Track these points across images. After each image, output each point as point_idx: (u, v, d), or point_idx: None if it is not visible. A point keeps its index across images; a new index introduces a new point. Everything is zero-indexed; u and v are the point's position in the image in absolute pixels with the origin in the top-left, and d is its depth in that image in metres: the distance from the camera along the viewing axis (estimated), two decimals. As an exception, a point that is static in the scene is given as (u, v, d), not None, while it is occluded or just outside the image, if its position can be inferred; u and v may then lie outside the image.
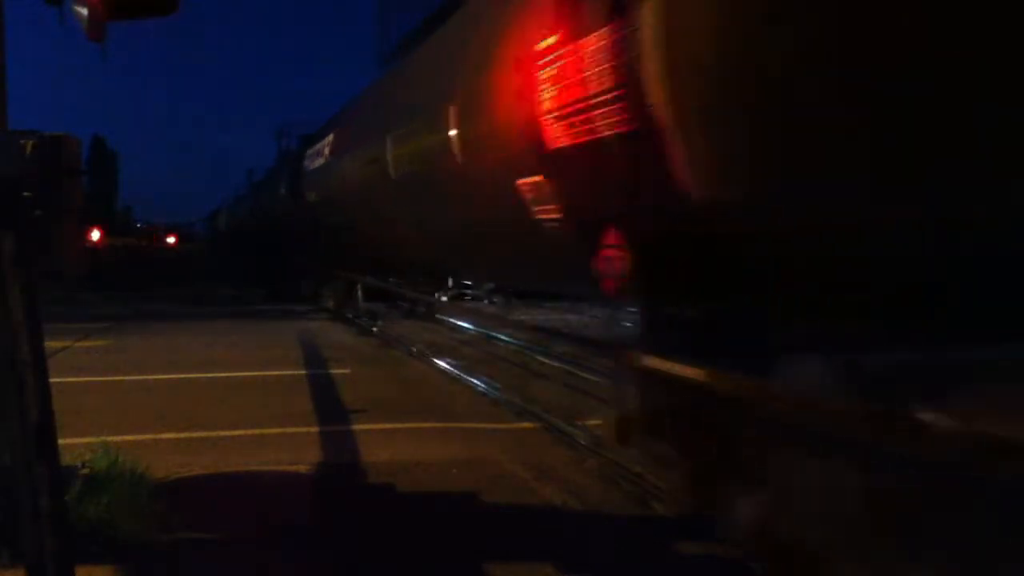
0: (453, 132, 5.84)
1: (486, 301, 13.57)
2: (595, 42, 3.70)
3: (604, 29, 3.59)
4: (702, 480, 3.89)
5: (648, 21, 3.20)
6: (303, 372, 9.18)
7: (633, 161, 3.61)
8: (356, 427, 6.52)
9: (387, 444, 6.01)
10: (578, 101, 3.87)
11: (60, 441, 3.29)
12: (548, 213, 4.68)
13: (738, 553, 4.02)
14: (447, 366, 9.62)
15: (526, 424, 6.81)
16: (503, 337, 11.39)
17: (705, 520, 4.27)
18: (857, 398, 2.94)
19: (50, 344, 4.17)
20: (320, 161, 12.78)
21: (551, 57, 4.15)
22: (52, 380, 3.19)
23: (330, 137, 12.46)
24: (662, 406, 4.12)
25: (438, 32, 7.58)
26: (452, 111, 5.89)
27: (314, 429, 6.45)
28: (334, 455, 5.75)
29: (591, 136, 3.82)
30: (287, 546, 4.08)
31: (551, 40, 4.13)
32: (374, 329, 13.70)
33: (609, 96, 3.60)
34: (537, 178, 4.62)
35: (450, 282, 11.83)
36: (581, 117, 3.89)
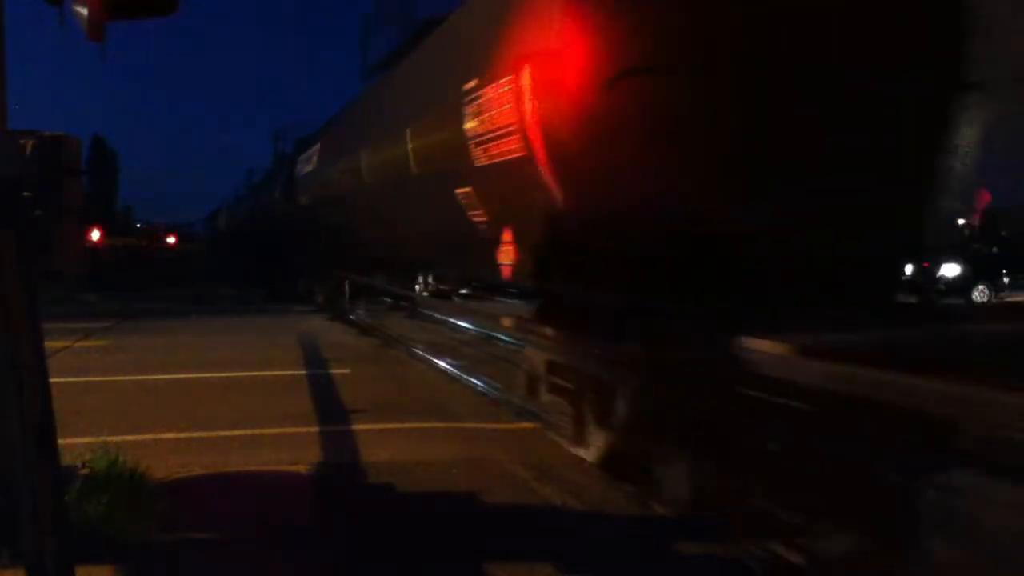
0: (410, 147, 7.25)
1: (455, 296, 14.00)
2: (495, 90, 5.15)
3: (501, 80, 5.02)
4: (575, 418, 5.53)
5: (526, 80, 4.66)
6: (303, 372, 9.18)
7: (518, 180, 4.97)
8: (356, 427, 6.52)
9: (387, 444, 6.01)
10: (487, 132, 5.32)
11: (60, 441, 3.28)
12: (477, 216, 6.01)
13: (738, 553, 4.02)
14: (447, 366, 9.62)
15: (526, 424, 6.81)
16: (503, 337, 11.39)
17: (705, 519, 4.29)
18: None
19: (50, 344, 4.16)
20: (310, 167, 14.38)
21: (471, 96, 5.55)
22: (52, 380, 3.19)
23: (317, 146, 14.20)
24: (547, 363, 5.83)
25: (402, 64, 9.23)
26: (409, 132, 7.31)
27: (314, 429, 6.45)
28: (334, 455, 5.75)
29: (495, 159, 5.28)
30: (287, 546, 4.08)
31: (472, 83, 5.53)
32: (351, 317, 14.20)
33: (504, 131, 5.04)
34: (468, 189, 5.96)
35: (430, 277, 12.20)
36: (490, 144, 5.33)
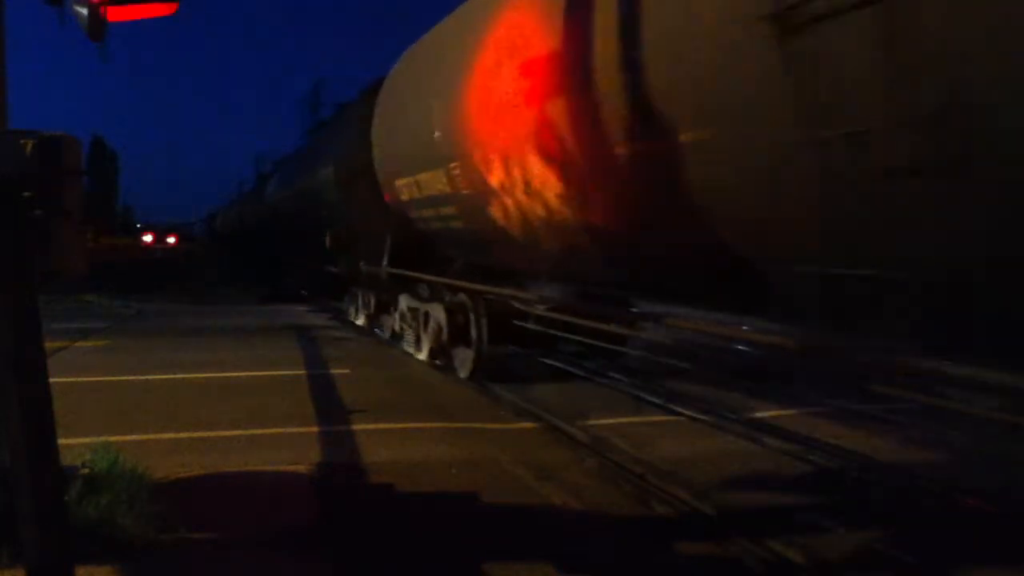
0: (310, 186, 15.15)
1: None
2: (325, 168, 13.93)
3: (326, 165, 13.78)
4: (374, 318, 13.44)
5: (331, 167, 13.30)
6: (302, 372, 9.18)
7: (335, 211, 13.20)
8: (356, 427, 6.52)
9: (387, 444, 6.01)
10: (328, 186, 13.76)
11: (60, 441, 3.28)
12: (332, 225, 13.39)
13: (738, 553, 4.03)
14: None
15: (526, 424, 6.81)
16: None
17: (704, 519, 4.28)
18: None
19: (50, 344, 4.16)
20: (273, 187, 22.33)
21: (323, 168, 14.01)
22: (52, 380, 3.19)
23: (278, 174, 22.92)
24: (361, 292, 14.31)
25: (313, 136, 21.88)
26: (306, 177, 15.86)
27: (314, 429, 6.45)
28: (334, 455, 5.75)
29: (329, 199, 13.70)
30: (287, 546, 4.07)
31: (325, 163, 14.07)
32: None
33: (330, 186, 13.42)
34: (325, 212, 13.84)
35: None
36: (328, 192, 13.68)
